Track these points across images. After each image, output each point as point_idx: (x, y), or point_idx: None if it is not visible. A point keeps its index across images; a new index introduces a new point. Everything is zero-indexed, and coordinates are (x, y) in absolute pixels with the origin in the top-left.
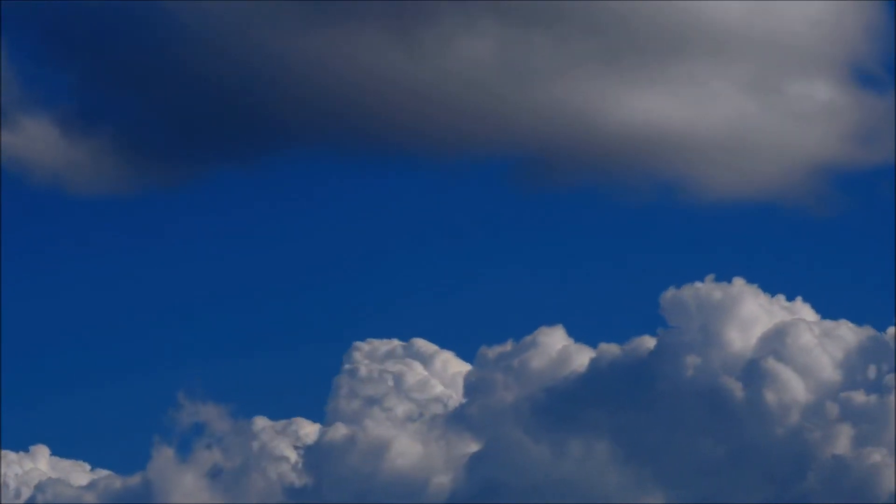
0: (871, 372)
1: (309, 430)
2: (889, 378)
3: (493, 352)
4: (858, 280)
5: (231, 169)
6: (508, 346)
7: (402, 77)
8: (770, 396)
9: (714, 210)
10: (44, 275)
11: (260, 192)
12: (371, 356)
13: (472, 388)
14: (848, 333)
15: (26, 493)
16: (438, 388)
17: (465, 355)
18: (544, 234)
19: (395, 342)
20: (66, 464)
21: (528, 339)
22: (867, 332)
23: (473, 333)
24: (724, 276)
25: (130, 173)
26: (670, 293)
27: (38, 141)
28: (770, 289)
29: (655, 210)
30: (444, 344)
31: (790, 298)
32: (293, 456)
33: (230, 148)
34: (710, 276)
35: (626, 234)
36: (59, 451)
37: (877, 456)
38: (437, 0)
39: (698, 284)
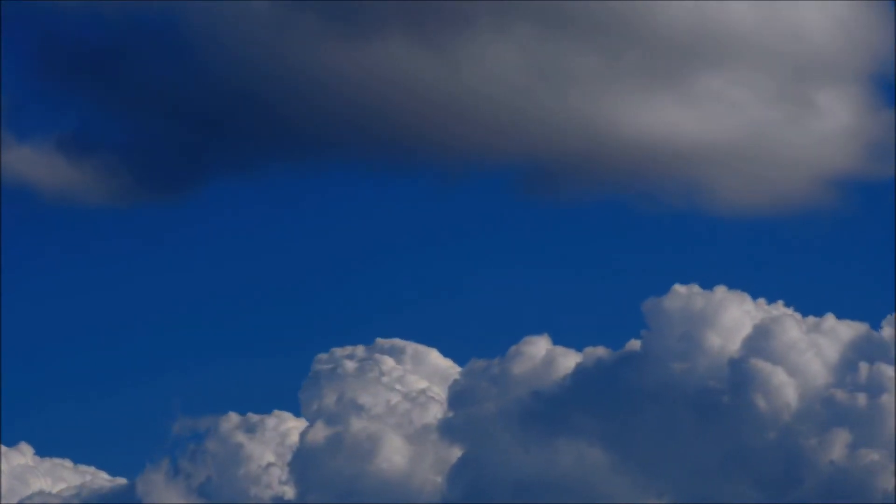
0: (864, 370)
1: (293, 434)
2: (882, 374)
3: (482, 362)
4: (861, 290)
5: (232, 180)
6: (496, 362)
7: (415, 84)
8: (760, 397)
9: (724, 221)
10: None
11: (263, 200)
12: (362, 357)
13: (460, 395)
14: (841, 328)
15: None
16: (429, 389)
17: (458, 359)
18: (542, 242)
19: (387, 341)
20: (49, 464)
21: (515, 347)
22: (861, 327)
23: (466, 337)
24: (710, 284)
25: (132, 187)
26: (651, 302)
27: (40, 159)
28: (756, 293)
29: (663, 220)
30: (437, 348)
31: (771, 301)
32: (278, 462)
33: (229, 157)
34: (695, 284)
35: (630, 242)
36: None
37: (873, 456)
38: (454, 8)
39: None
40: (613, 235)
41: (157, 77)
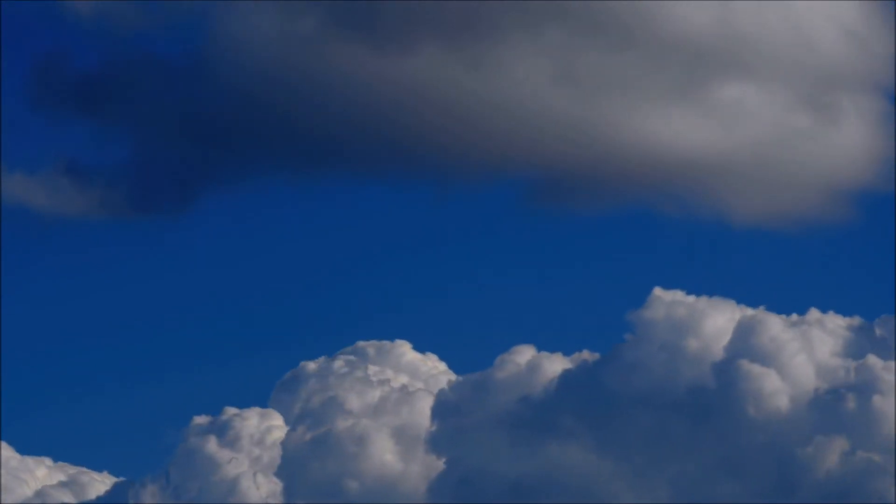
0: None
1: (278, 434)
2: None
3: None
4: (863, 296)
5: (227, 192)
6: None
7: (425, 89)
8: (751, 400)
9: (734, 231)
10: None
11: (259, 211)
12: (353, 357)
13: (447, 406)
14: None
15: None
16: (410, 384)
17: (453, 366)
18: (540, 248)
19: (349, 347)
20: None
21: (501, 357)
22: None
23: (456, 342)
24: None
25: (128, 206)
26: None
27: (38, 180)
28: (743, 301)
29: (670, 228)
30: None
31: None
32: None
33: (227, 167)
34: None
35: (636, 248)
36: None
37: (868, 455)
38: (467, 14)
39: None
40: (616, 242)
41: (153, 93)
